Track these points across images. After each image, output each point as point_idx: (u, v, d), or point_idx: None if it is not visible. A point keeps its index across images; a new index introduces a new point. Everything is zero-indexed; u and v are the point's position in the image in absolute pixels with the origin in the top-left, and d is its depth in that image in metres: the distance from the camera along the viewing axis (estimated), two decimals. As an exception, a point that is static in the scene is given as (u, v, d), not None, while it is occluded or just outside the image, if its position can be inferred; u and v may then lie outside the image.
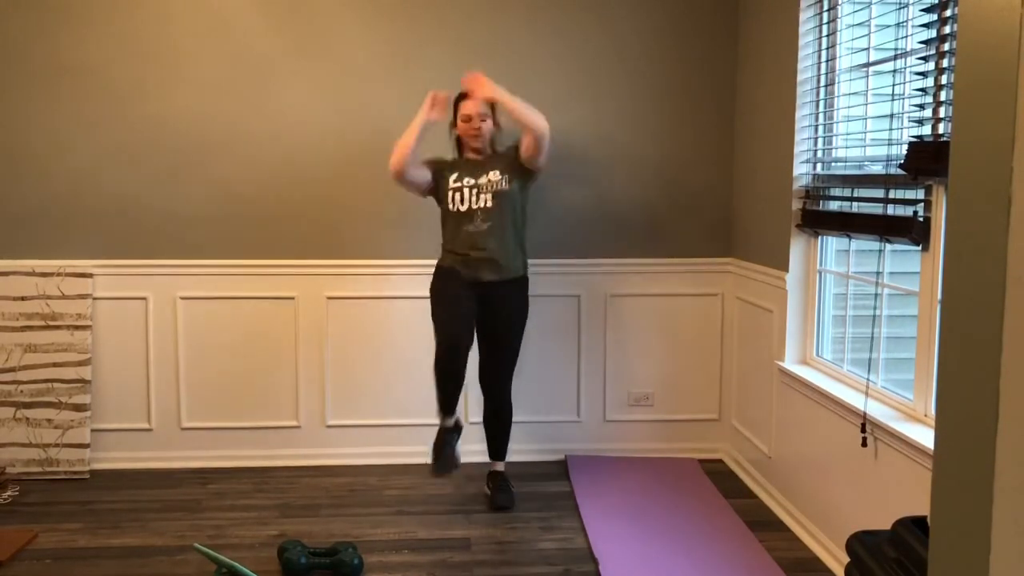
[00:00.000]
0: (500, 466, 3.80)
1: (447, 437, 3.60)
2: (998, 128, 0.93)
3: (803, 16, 3.43)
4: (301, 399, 4.10)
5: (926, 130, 2.63)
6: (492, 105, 3.60)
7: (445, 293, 3.61)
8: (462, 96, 3.61)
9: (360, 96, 4.01)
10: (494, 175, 3.58)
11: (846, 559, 2.27)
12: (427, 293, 3.66)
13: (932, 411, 2.65)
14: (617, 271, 4.16)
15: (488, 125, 3.64)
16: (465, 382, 3.59)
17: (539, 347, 4.15)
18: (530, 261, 4.13)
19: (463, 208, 3.57)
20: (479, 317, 3.61)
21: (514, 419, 4.17)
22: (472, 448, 4.15)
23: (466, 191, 3.57)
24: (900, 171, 2.70)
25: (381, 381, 4.11)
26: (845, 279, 3.35)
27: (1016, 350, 0.91)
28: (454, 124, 3.67)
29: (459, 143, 3.71)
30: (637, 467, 4.06)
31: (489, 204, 3.55)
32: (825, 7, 3.37)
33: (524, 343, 4.13)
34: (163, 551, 3.19)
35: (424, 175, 3.62)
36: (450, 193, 3.59)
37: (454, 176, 3.60)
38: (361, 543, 3.21)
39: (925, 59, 2.65)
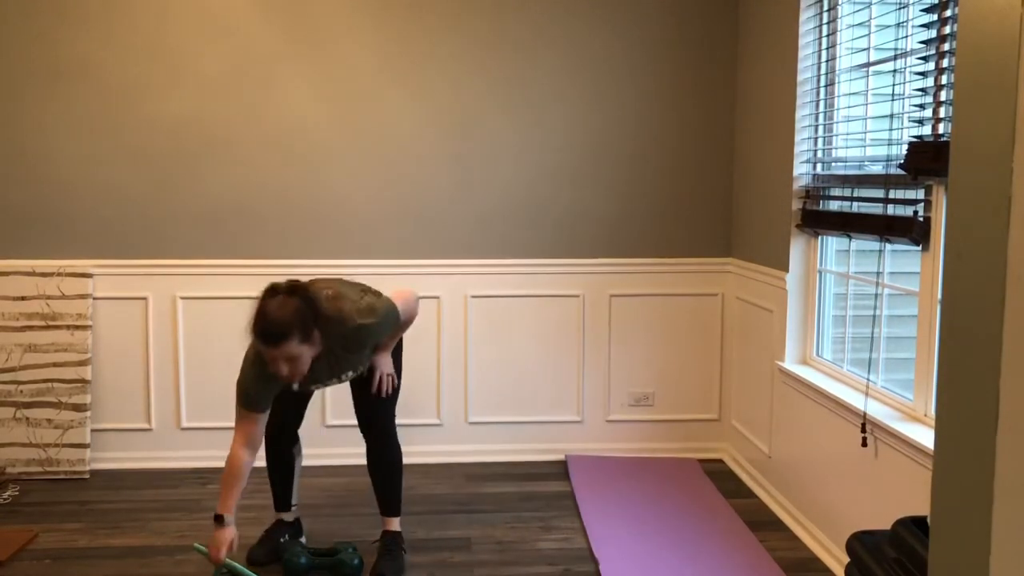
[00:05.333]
0: (393, 524, 3.13)
1: (280, 530, 3.17)
2: (998, 128, 0.93)
3: (803, 16, 3.43)
4: (301, 399, 4.10)
5: (926, 130, 2.63)
6: (303, 328, 2.62)
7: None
8: (260, 338, 2.64)
9: (361, 95, 4.01)
10: (347, 376, 2.97)
11: (846, 559, 2.27)
12: (427, 293, 3.63)
13: (932, 411, 2.65)
14: (618, 271, 4.15)
15: (303, 359, 2.67)
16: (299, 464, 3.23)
17: (539, 347, 4.15)
18: (531, 261, 4.13)
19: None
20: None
21: (513, 420, 4.18)
22: (472, 448, 4.15)
23: (322, 390, 3.07)
24: (900, 171, 2.70)
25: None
26: (845, 279, 3.35)
27: (1016, 350, 0.91)
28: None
29: None
30: (637, 467, 4.06)
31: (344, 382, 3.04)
32: (825, 7, 3.37)
33: (524, 343, 4.14)
34: (163, 551, 3.19)
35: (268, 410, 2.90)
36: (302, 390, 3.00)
37: (298, 385, 2.87)
38: (361, 543, 3.20)
39: (925, 59, 2.65)
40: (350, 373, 2.96)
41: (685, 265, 4.17)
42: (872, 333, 2.92)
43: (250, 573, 2.81)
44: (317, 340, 2.70)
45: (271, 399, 2.87)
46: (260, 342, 2.65)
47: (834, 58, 3.34)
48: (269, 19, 3.95)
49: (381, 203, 4.03)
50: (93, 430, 3.97)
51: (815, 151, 3.49)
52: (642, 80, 4.09)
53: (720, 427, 4.25)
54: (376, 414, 3.10)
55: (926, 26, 2.63)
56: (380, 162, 4.02)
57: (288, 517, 3.22)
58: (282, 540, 3.14)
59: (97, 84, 3.92)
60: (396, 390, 3.10)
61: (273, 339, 2.61)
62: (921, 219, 2.66)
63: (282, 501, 3.22)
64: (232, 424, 4.06)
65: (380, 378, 3.02)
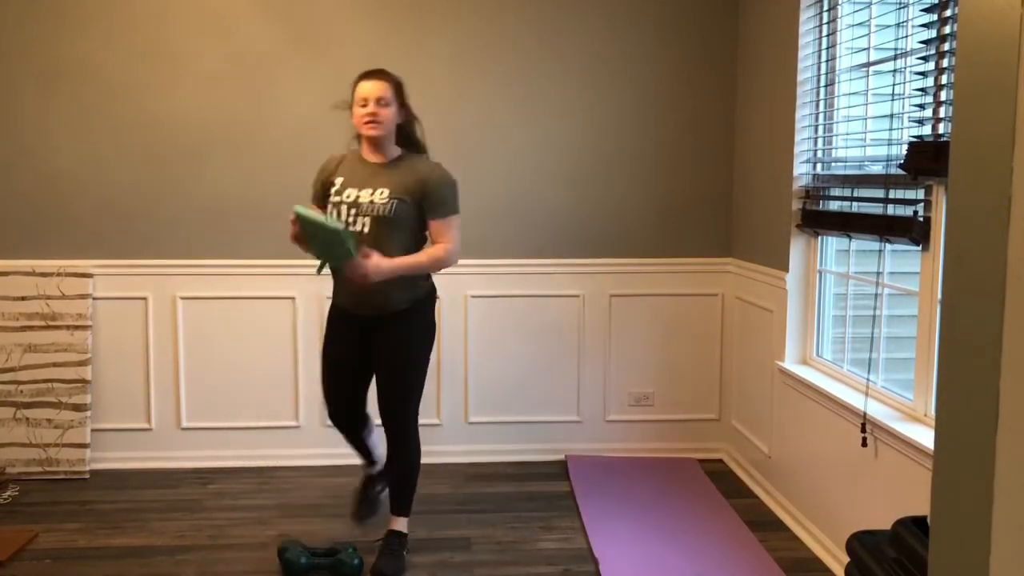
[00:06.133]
0: (400, 524, 3.12)
1: (368, 484, 3.35)
2: (998, 128, 0.93)
3: (803, 16, 3.43)
4: (301, 399, 4.10)
5: (926, 130, 2.63)
6: (399, 88, 2.97)
7: (331, 337, 3.14)
8: (362, 76, 2.96)
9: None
10: (380, 195, 2.89)
11: (846, 559, 2.27)
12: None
13: (932, 411, 2.65)
14: (618, 271, 4.15)
15: (389, 113, 2.92)
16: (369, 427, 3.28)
17: (539, 347, 4.15)
18: (531, 260, 4.13)
19: None
20: (372, 348, 3.08)
21: (513, 420, 4.18)
22: (472, 448, 4.15)
23: (344, 208, 2.91)
24: (900, 171, 2.70)
25: (381, 381, 4.11)
26: (845, 279, 3.35)
27: (1016, 350, 0.91)
28: (351, 108, 2.97)
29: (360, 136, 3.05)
30: (637, 467, 4.06)
31: (366, 230, 2.88)
32: (825, 7, 3.37)
33: (524, 343, 4.14)
34: (163, 551, 3.19)
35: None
36: (329, 207, 2.97)
37: (339, 183, 2.97)
38: (361, 543, 3.20)
39: (925, 59, 2.65)
40: (381, 194, 2.88)
41: (685, 265, 4.17)
42: (872, 333, 2.92)
43: (318, 217, 2.77)
44: (403, 119, 3.01)
45: (321, 188, 3.08)
46: (362, 78, 2.94)
47: (834, 58, 3.33)
48: (269, 19, 3.95)
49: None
50: (93, 430, 3.97)
51: (815, 151, 3.49)
52: (642, 80, 4.08)
53: (720, 427, 4.24)
54: (394, 414, 3.04)
55: (926, 26, 2.63)
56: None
57: (373, 470, 3.35)
58: (379, 490, 3.32)
59: (97, 84, 3.92)
60: (419, 381, 3.11)
61: (375, 73, 2.95)
62: (921, 219, 2.66)
63: (365, 456, 3.34)
64: (232, 424, 4.17)
65: (364, 262, 2.78)
